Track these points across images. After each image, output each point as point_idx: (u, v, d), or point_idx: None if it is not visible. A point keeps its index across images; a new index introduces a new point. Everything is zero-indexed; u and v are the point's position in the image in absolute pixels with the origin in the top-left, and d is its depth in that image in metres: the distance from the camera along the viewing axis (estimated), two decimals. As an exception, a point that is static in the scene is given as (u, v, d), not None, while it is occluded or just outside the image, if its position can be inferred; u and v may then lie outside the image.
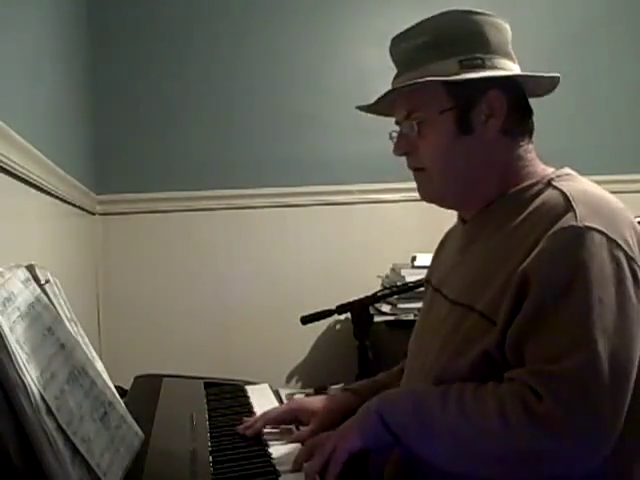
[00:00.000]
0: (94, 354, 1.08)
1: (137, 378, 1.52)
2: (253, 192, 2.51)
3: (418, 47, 1.08)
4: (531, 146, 1.10)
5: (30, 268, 0.98)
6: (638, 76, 2.78)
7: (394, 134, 1.14)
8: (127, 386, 1.44)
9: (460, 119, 1.06)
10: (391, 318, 2.17)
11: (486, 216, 1.10)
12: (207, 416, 1.25)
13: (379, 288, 2.20)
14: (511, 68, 1.09)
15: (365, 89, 2.54)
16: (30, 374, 0.76)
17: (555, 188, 1.01)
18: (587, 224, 0.92)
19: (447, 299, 1.10)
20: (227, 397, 1.42)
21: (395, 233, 2.55)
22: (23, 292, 0.89)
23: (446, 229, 1.33)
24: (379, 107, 1.14)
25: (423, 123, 1.07)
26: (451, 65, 1.05)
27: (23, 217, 1.38)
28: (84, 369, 0.95)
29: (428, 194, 1.14)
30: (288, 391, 2.17)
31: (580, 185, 1.02)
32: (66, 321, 1.01)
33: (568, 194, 0.98)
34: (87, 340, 1.10)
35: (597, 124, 2.73)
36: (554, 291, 0.90)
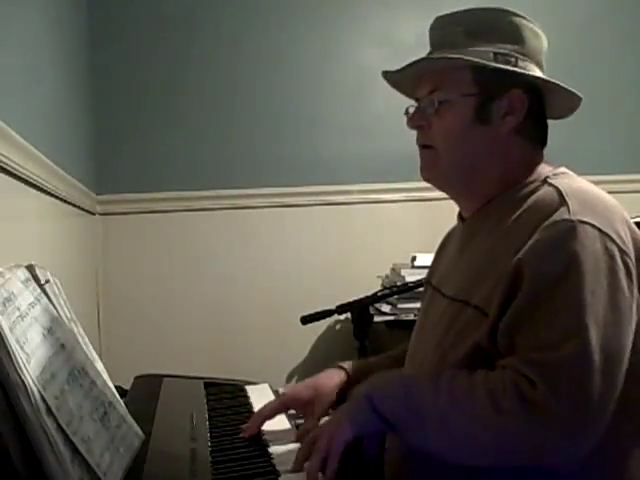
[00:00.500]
0: (94, 354, 1.08)
1: (137, 378, 1.52)
2: (253, 192, 2.52)
3: (458, 31, 1.09)
4: (539, 153, 1.12)
5: (30, 268, 0.98)
6: (638, 76, 2.78)
7: (411, 109, 1.15)
8: (127, 386, 1.43)
9: (480, 107, 1.07)
10: (391, 318, 2.17)
11: (484, 214, 1.11)
12: (207, 416, 1.25)
13: (379, 288, 2.20)
14: (539, 75, 1.10)
15: (365, 89, 2.56)
16: (30, 374, 0.76)
17: (550, 185, 1.03)
18: (580, 218, 0.94)
19: (445, 297, 1.11)
20: (227, 397, 1.42)
21: (395, 233, 2.55)
22: (23, 292, 0.89)
23: (446, 229, 1.33)
24: (404, 80, 1.16)
25: (443, 103, 1.08)
26: (485, 54, 1.06)
27: (23, 217, 1.38)
28: (84, 369, 0.95)
29: (431, 173, 1.14)
30: (288, 391, 2.16)
31: (575, 183, 1.04)
32: (66, 321, 1.01)
33: (562, 190, 1.00)
34: (87, 340, 1.10)
35: (597, 124, 2.72)
36: (547, 282, 0.91)
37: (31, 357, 0.79)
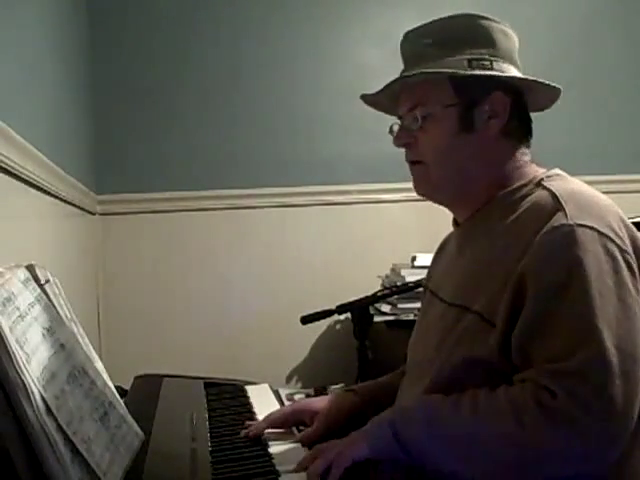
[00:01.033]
0: (94, 354, 1.08)
1: (137, 378, 1.52)
2: (253, 192, 2.52)
3: (429, 44, 1.09)
4: (525, 150, 1.12)
5: (30, 268, 0.98)
6: (637, 76, 2.78)
7: (395, 127, 1.15)
8: (127, 386, 1.44)
9: (463, 116, 1.07)
10: (391, 318, 2.17)
11: (478, 218, 1.11)
12: (207, 416, 1.25)
13: (379, 288, 2.20)
14: (516, 74, 1.10)
15: (365, 89, 2.56)
16: (30, 374, 0.76)
17: (544, 188, 1.03)
18: (578, 221, 0.94)
19: (442, 301, 1.11)
20: (227, 397, 1.42)
21: (395, 233, 2.55)
22: (23, 292, 0.89)
23: (446, 229, 1.33)
24: (382, 99, 1.16)
25: (427, 117, 1.08)
26: (460, 63, 1.06)
27: (23, 217, 1.38)
28: (84, 369, 0.95)
29: (423, 188, 1.15)
30: (288, 391, 2.16)
31: (568, 185, 1.04)
32: (66, 321, 1.01)
33: (557, 193, 0.99)
34: (87, 340, 1.10)
35: (596, 124, 2.73)
36: (553, 290, 0.91)
37: (31, 357, 0.79)
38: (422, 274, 2.01)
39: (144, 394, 1.36)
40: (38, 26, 1.61)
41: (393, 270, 2.32)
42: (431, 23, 1.11)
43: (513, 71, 1.10)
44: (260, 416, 1.24)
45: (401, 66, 1.14)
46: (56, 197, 1.66)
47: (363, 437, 1.00)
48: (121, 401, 1.05)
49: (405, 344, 1.27)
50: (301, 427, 1.23)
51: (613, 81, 2.75)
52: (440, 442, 0.94)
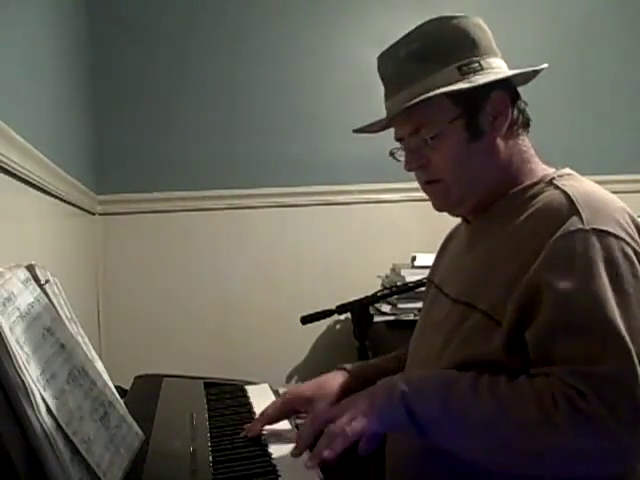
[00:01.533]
0: (94, 354, 1.08)
1: (137, 378, 1.52)
2: (253, 192, 2.52)
3: (409, 59, 1.07)
4: (527, 140, 1.11)
5: (30, 268, 0.98)
6: (638, 76, 2.78)
7: (396, 151, 1.13)
8: (127, 386, 1.43)
9: (470, 125, 1.06)
10: (391, 318, 2.17)
11: (488, 216, 1.10)
12: (207, 416, 1.25)
13: (379, 288, 2.20)
14: (501, 66, 1.10)
15: (365, 89, 2.56)
16: (30, 374, 0.76)
17: (557, 188, 1.02)
18: (594, 226, 0.93)
19: (449, 297, 1.11)
20: (227, 397, 1.42)
21: (395, 233, 2.56)
22: (23, 292, 0.89)
23: (446, 229, 1.33)
24: (376, 127, 1.14)
25: (435, 137, 1.07)
26: (450, 73, 1.05)
27: (23, 217, 1.38)
28: (84, 369, 0.95)
29: (446, 205, 1.13)
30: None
31: (581, 185, 1.02)
32: (66, 321, 1.01)
33: (571, 195, 0.98)
34: (87, 340, 1.10)
35: (597, 124, 2.73)
36: (572, 296, 0.90)
37: (31, 357, 0.79)
38: (422, 274, 2.03)
39: (144, 394, 1.36)
40: (38, 26, 1.61)
41: (393, 270, 2.32)
42: (404, 38, 1.09)
43: (498, 62, 1.09)
44: (260, 416, 1.24)
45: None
46: (56, 197, 1.66)
47: (372, 407, 0.95)
48: (121, 401, 1.05)
49: (405, 344, 1.27)
50: (300, 425, 1.23)
51: (614, 81, 2.75)
52: (456, 424, 0.92)
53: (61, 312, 1.01)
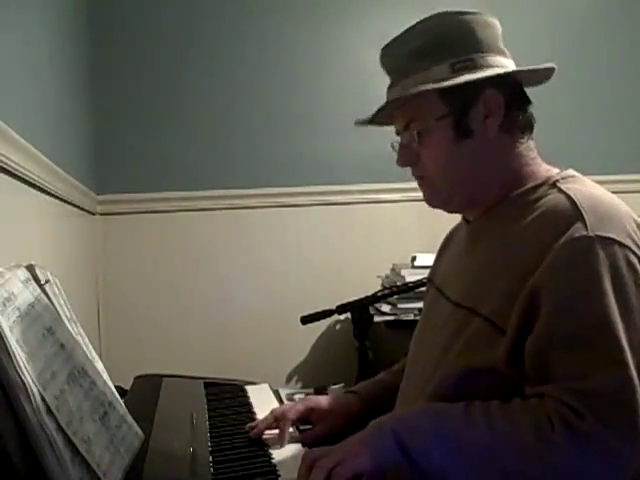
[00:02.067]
0: (94, 354, 1.08)
1: (137, 378, 1.52)
2: (253, 192, 2.52)
3: (408, 55, 1.07)
4: (532, 143, 1.09)
5: (30, 268, 0.98)
6: (638, 76, 2.78)
7: (396, 144, 1.13)
8: (127, 386, 1.44)
9: (458, 124, 1.04)
10: (391, 318, 2.17)
11: (490, 218, 1.08)
12: (207, 416, 1.25)
13: (379, 288, 2.20)
14: (504, 64, 1.07)
15: (365, 89, 2.56)
16: (30, 374, 0.76)
17: (560, 191, 0.99)
18: (598, 233, 0.90)
19: (449, 301, 1.09)
20: (227, 397, 1.42)
21: (395, 233, 2.56)
22: (23, 292, 0.89)
23: (446, 229, 1.33)
24: (378, 119, 1.13)
25: (422, 132, 1.06)
26: (443, 70, 1.04)
27: (23, 217, 1.38)
28: (84, 369, 0.95)
29: (434, 200, 1.12)
30: (288, 391, 2.16)
31: (585, 189, 1.00)
32: (66, 321, 1.01)
33: (575, 199, 0.95)
34: (87, 340, 1.10)
35: (597, 124, 2.73)
36: (572, 305, 0.88)
37: (31, 357, 0.79)
38: (422, 274, 2.03)
39: (144, 394, 1.36)
40: (38, 26, 1.61)
41: (393, 270, 2.32)
42: (407, 31, 1.08)
43: (500, 61, 1.06)
44: (260, 416, 1.24)
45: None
46: (56, 197, 1.66)
47: (364, 446, 0.93)
48: (121, 401, 1.05)
49: (405, 344, 1.27)
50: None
51: (614, 80, 2.75)
52: (452, 454, 0.89)
53: (61, 312, 1.01)
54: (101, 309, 2.39)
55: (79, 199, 2.00)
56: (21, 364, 0.75)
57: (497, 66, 1.06)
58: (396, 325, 2.14)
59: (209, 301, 2.48)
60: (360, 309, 1.99)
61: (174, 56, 2.49)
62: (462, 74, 1.03)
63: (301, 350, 2.52)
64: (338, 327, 2.51)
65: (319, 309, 2.02)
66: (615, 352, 0.85)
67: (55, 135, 1.74)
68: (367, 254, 2.53)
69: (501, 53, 1.08)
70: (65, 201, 1.79)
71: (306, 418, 1.22)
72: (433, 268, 1.31)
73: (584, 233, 0.90)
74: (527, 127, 1.08)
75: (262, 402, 1.35)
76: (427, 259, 2.09)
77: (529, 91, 1.11)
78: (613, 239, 0.90)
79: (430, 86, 1.02)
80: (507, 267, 0.97)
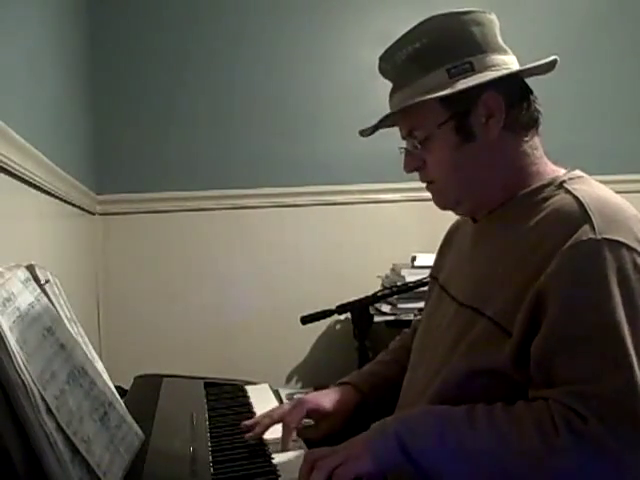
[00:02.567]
0: (94, 354, 1.08)
1: (137, 378, 1.52)
2: (253, 192, 2.52)
3: (404, 62, 1.07)
4: (537, 141, 1.08)
5: (30, 268, 0.98)
6: (638, 76, 2.78)
7: (402, 149, 1.13)
8: (127, 386, 1.44)
9: (460, 128, 1.05)
10: (391, 318, 2.17)
11: (496, 217, 1.08)
12: (207, 416, 1.25)
13: (379, 288, 2.20)
14: (503, 62, 1.06)
15: (365, 89, 2.56)
16: (30, 374, 0.76)
17: (568, 192, 0.99)
18: (606, 236, 0.89)
19: (455, 300, 1.09)
20: (227, 397, 1.42)
21: (395, 233, 2.55)
22: (23, 292, 0.89)
23: (446, 229, 1.33)
24: (382, 125, 1.14)
25: (425, 139, 1.07)
26: (439, 76, 1.03)
27: (23, 217, 1.38)
28: (84, 369, 0.95)
29: (443, 204, 1.13)
30: (288, 391, 2.16)
31: (593, 190, 0.99)
32: (66, 321, 1.01)
33: (583, 201, 0.95)
34: (87, 340, 1.10)
35: (597, 124, 2.73)
36: (578, 309, 0.88)
37: (31, 357, 0.79)
38: (422, 274, 2.03)
39: (144, 394, 1.36)
40: (38, 26, 1.61)
41: (393, 270, 2.32)
42: (402, 38, 1.08)
43: (499, 59, 1.05)
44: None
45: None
46: (56, 197, 1.66)
47: (366, 448, 0.93)
48: (121, 401, 1.05)
49: (402, 341, 1.27)
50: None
51: (615, 80, 2.75)
52: (455, 457, 0.89)
53: (61, 312, 1.01)
54: (101, 309, 2.39)
55: (79, 199, 2.00)
56: (21, 364, 0.75)
57: (495, 66, 1.05)
58: (396, 325, 2.14)
59: (209, 301, 2.48)
60: (360, 309, 1.99)
61: (174, 56, 2.49)
62: (459, 79, 1.03)
63: (301, 350, 2.52)
64: (338, 327, 2.51)
65: (319, 309, 2.03)
66: (621, 356, 0.84)
67: (55, 135, 1.73)
68: (367, 254, 2.53)
69: (500, 51, 1.07)
70: (65, 201, 1.79)
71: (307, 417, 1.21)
72: (436, 265, 1.30)
73: (592, 236, 0.90)
74: (531, 123, 1.08)
75: (262, 402, 1.35)
76: (427, 259, 2.09)
77: (531, 86, 1.11)
78: (621, 242, 0.90)
79: (427, 97, 1.02)
80: (514, 268, 0.96)
